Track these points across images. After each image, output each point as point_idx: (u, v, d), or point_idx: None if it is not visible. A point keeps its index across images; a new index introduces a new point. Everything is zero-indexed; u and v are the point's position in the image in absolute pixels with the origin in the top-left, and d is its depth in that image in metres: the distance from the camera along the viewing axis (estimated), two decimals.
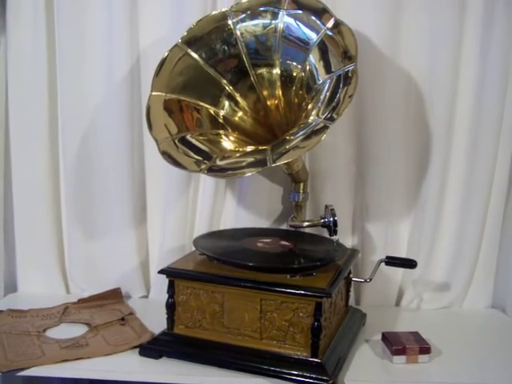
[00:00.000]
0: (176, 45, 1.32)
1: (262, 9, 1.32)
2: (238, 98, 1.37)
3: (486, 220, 1.47)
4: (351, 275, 1.33)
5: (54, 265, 1.55)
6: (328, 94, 1.18)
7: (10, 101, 1.50)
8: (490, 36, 1.37)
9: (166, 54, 1.32)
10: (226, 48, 1.34)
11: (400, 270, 1.50)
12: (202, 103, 1.34)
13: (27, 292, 1.55)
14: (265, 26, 1.31)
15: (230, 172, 1.17)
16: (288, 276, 1.13)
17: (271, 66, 1.33)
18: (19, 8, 1.45)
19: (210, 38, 1.33)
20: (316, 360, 1.08)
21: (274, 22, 1.30)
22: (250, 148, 1.29)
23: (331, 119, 1.10)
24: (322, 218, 1.31)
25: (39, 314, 1.37)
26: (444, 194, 1.45)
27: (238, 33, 1.33)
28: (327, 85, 1.20)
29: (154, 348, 1.18)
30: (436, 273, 1.49)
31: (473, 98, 1.39)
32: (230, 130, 1.36)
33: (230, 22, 1.33)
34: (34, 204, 1.53)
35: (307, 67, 1.27)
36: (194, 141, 1.28)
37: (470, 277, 1.50)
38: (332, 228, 1.28)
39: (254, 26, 1.32)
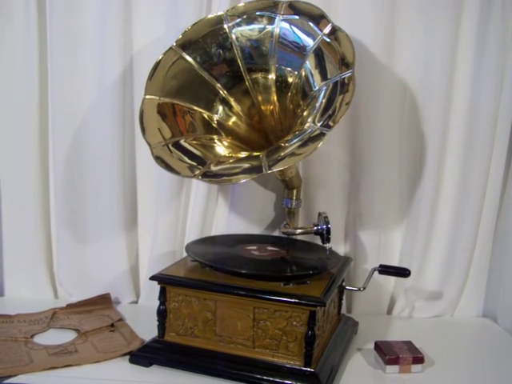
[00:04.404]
0: (170, 48, 1.31)
1: (258, 13, 1.31)
2: (233, 103, 1.36)
3: (478, 229, 1.47)
4: (344, 283, 1.32)
5: (42, 269, 1.53)
6: (324, 100, 1.17)
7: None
8: (484, 45, 1.37)
9: (160, 57, 1.30)
10: (221, 52, 1.33)
11: (392, 279, 1.49)
12: (195, 107, 1.33)
13: (14, 296, 1.53)
14: (261, 31, 1.30)
15: (224, 178, 1.15)
16: (281, 284, 1.12)
17: (266, 71, 1.32)
18: (11, 9, 1.43)
19: (205, 41, 1.32)
20: (309, 369, 1.07)
21: (270, 26, 1.29)
22: (243, 154, 1.28)
23: (328, 126, 1.09)
24: (315, 226, 1.30)
25: (27, 320, 1.35)
26: (437, 203, 1.45)
27: (234, 37, 1.31)
28: (323, 92, 1.19)
29: (145, 356, 1.16)
30: (428, 281, 1.49)
31: (467, 108, 1.39)
32: (223, 135, 1.35)
33: (225, 25, 1.32)
34: (23, 207, 1.51)
35: (303, 73, 1.26)
36: (187, 145, 1.26)
37: (461, 286, 1.50)
38: (325, 236, 1.27)
39: (249, 30, 1.31)
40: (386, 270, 1.32)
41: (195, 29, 1.32)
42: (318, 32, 1.23)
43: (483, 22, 1.35)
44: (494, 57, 1.38)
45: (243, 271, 1.14)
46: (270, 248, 1.31)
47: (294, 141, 1.14)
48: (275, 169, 1.07)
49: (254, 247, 1.31)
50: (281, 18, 1.28)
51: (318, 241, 1.34)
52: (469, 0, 1.35)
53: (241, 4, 1.34)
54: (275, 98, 1.33)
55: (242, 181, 1.11)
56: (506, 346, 1.35)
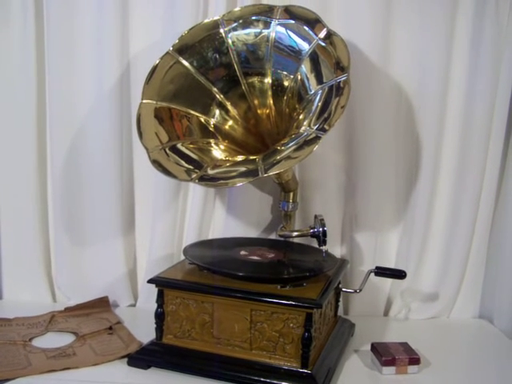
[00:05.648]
0: (167, 52, 1.32)
1: (254, 18, 1.31)
2: (229, 107, 1.37)
3: (474, 230, 1.48)
4: (341, 285, 1.33)
5: (40, 272, 1.53)
6: (320, 104, 1.18)
7: None
8: (479, 49, 1.38)
9: (157, 62, 1.31)
10: (217, 56, 1.33)
11: (388, 280, 1.50)
12: (192, 111, 1.33)
13: (13, 300, 1.53)
14: (257, 35, 1.31)
15: (221, 181, 1.16)
16: (278, 286, 1.12)
17: (263, 75, 1.33)
18: (8, 13, 1.44)
19: (201, 46, 1.33)
20: (306, 371, 1.08)
21: (266, 31, 1.30)
22: (240, 157, 1.29)
23: (323, 130, 1.10)
24: (312, 228, 1.30)
25: (25, 323, 1.35)
26: (433, 205, 1.46)
27: (230, 41, 1.32)
28: (319, 95, 1.20)
29: (143, 358, 1.16)
30: (424, 283, 1.50)
31: (462, 111, 1.40)
32: (220, 139, 1.35)
33: (221, 30, 1.33)
34: (21, 211, 1.51)
35: (299, 77, 1.27)
36: (184, 149, 1.27)
37: (457, 287, 1.51)
38: (321, 238, 1.27)
39: (245, 34, 1.32)
40: (382, 271, 1.33)
41: (192, 33, 1.33)
42: (314, 36, 1.23)
43: (478, 19, 1.36)
44: (489, 55, 1.39)
45: (240, 274, 1.15)
46: (266, 251, 1.31)
47: (290, 144, 1.14)
48: (271, 172, 1.08)
49: (251, 250, 1.31)
50: (276, 22, 1.29)
51: (314, 243, 1.34)
52: None
53: (237, 8, 1.35)
54: (271, 101, 1.34)
55: (239, 184, 1.11)
56: (502, 347, 1.36)
